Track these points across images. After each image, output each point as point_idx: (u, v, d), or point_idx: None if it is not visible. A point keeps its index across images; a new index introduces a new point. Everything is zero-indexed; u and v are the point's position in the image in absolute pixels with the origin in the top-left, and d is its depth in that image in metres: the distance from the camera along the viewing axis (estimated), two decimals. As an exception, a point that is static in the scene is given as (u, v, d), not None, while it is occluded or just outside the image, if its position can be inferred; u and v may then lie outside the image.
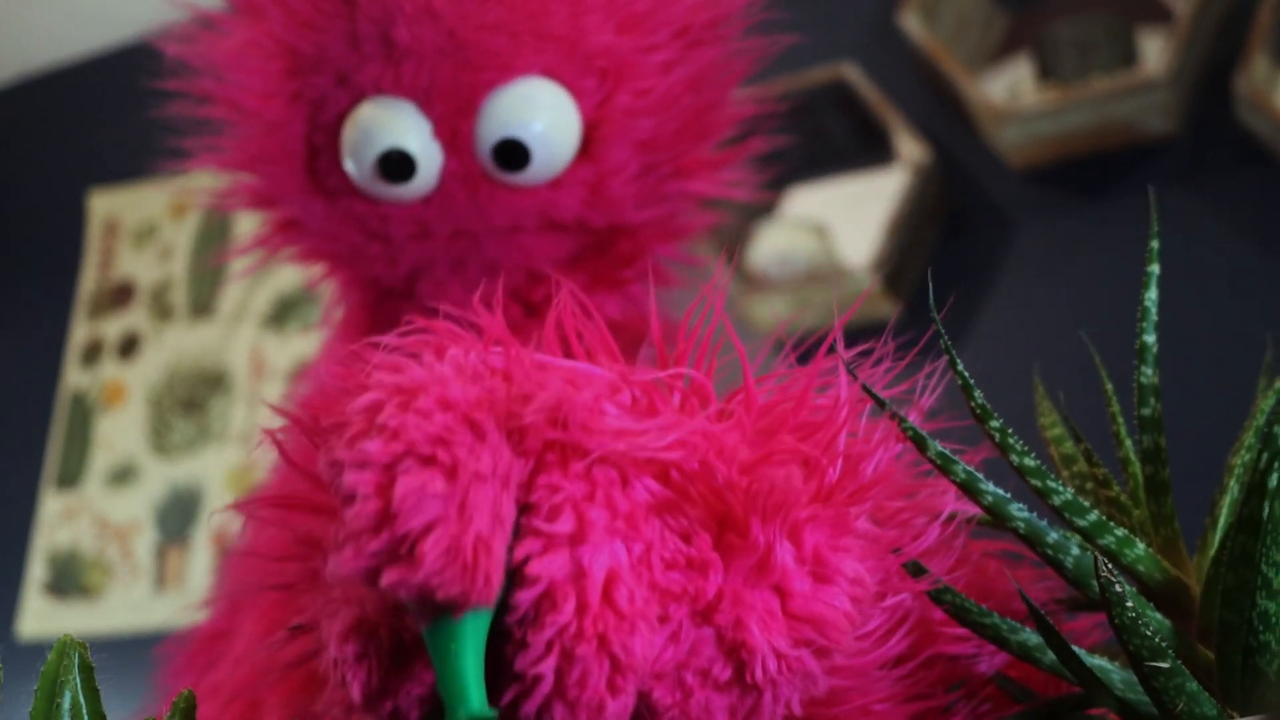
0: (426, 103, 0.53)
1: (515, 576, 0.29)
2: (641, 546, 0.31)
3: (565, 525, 0.30)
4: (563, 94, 0.53)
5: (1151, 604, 0.34)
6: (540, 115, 0.53)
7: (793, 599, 0.32)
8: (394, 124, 0.53)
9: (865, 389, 0.36)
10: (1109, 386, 0.40)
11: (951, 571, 0.39)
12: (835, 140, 1.56)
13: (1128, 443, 0.39)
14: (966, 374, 0.35)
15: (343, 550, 0.29)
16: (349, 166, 0.54)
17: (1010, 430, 0.35)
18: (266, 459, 0.52)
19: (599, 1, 0.53)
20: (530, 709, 0.30)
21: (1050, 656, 0.35)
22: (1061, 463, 0.40)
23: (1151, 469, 0.36)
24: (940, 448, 0.34)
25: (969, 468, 0.34)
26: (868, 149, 1.54)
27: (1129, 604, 0.30)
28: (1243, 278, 1.35)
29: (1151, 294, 0.37)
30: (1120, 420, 0.39)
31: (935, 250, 1.50)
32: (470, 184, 0.54)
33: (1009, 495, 0.34)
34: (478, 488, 0.29)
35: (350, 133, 0.53)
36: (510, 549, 0.30)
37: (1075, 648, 0.33)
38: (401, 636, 0.31)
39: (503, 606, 0.29)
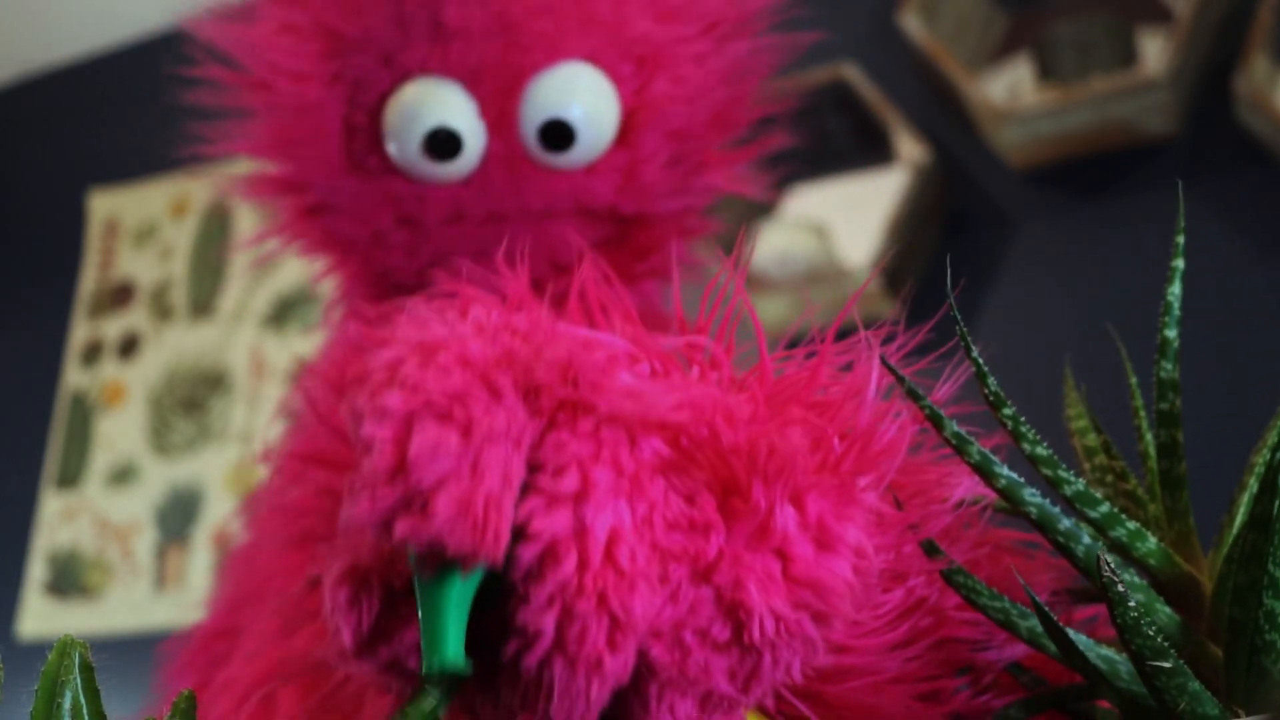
0: (474, 82, 0.53)
1: (519, 532, 0.30)
2: (645, 506, 0.31)
3: (570, 483, 0.30)
4: (604, 79, 0.54)
5: (1162, 598, 0.34)
6: (584, 98, 0.54)
7: (794, 563, 0.33)
8: (442, 102, 0.53)
9: (885, 364, 0.36)
10: (1133, 380, 0.40)
11: (967, 555, 0.40)
12: (835, 140, 1.56)
13: (1148, 437, 0.39)
14: (980, 360, 0.35)
15: (358, 499, 0.30)
16: (392, 145, 0.54)
17: (1023, 419, 0.35)
18: (270, 453, 0.53)
19: None
20: (531, 663, 0.30)
21: None
22: (1084, 455, 0.40)
23: (1167, 464, 0.36)
24: (956, 428, 0.34)
25: (984, 449, 0.34)
26: (868, 149, 1.54)
27: (1131, 603, 0.30)
28: (1243, 278, 1.35)
29: (1175, 289, 0.37)
30: (1143, 414, 0.39)
31: (935, 250, 1.50)
32: (512, 165, 0.55)
33: (1023, 480, 0.34)
34: (491, 447, 0.30)
35: (396, 111, 0.54)
36: (516, 506, 0.30)
37: (1081, 637, 0.33)
38: (393, 584, 0.31)
39: (507, 562, 0.30)
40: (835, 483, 0.34)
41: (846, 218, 1.51)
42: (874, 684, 0.39)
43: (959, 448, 0.34)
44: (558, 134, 0.54)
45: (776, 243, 1.47)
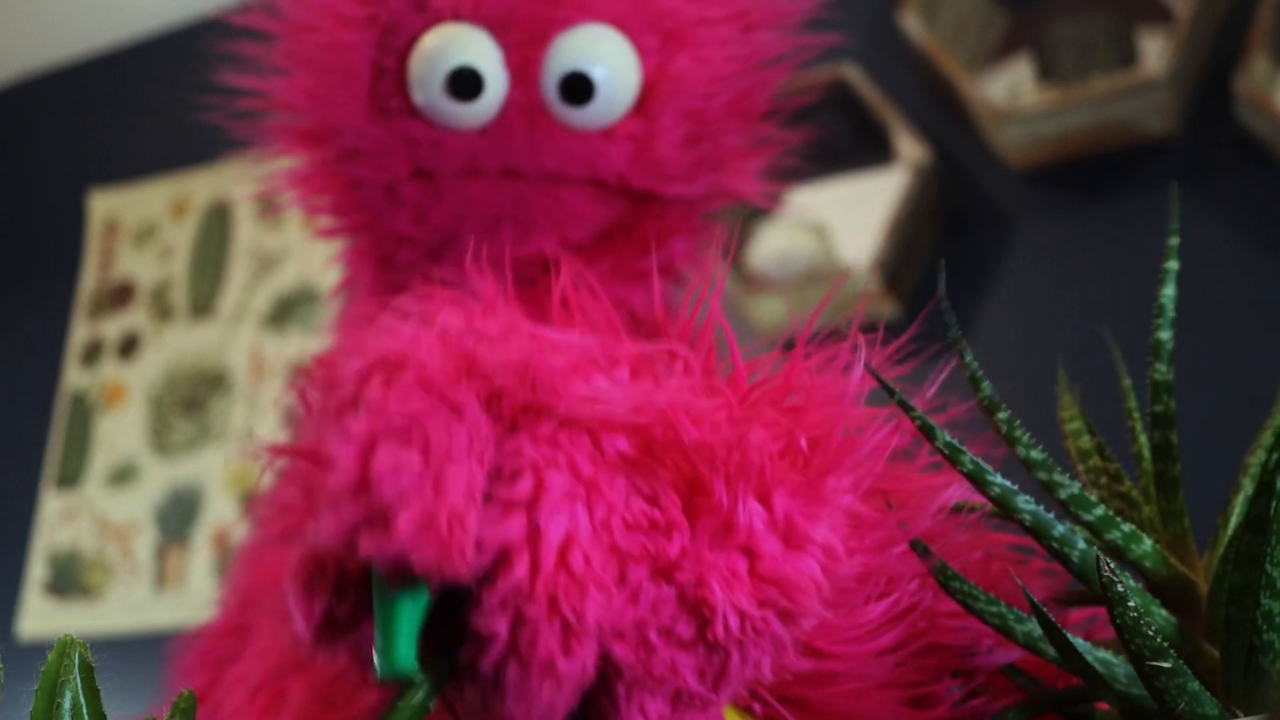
0: (502, 30, 0.55)
1: (478, 544, 0.31)
2: (604, 510, 0.32)
3: (524, 489, 0.31)
4: (628, 45, 0.56)
5: (1158, 600, 0.34)
6: (608, 57, 0.55)
7: (760, 561, 0.33)
8: (469, 44, 0.55)
9: (870, 371, 0.36)
10: (1126, 382, 0.40)
11: (959, 561, 0.39)
12: (835, 140, 1.56)
13: (1142, 439, 0.39)
14: (975, 364, 0.35)
15: (324, 515, 0.30)
16: (415, 86, 0.55)
17: (1018, 423, 0.35)
18: (263, 456, 0.54)
19: None
20: (486, 666, 0.31)
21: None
22: (1078, 457, 0.40)
23: (1162, 465, 0.36)
24: (949, 438, 0.34)
25: (976, 458, 0.34)
26: (868, 149, 1.54)
27: (1130, 603, 0.30)
28: (1242, 278, 1.35)
29: (1169, 290, 0.37)
30: (1137, 416, 0.39)
31: (935, 250, 1.50)
32: (530, 116, 0.56)
33: (1016, 487, 0.34)
34: (452, 465, 0.30)
35: (424, 50, 0.55)
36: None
37: (1078, 640, 0.33)
38: (350, 575, 0.32)
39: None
40: (803, 482, 0.34)
41: (846, 218, 1.51)
42: (861, 689, 0.39)
43: (951, 457, 0.34)
44: (579, 87, 0.55)
45: (776, 243, 1.47)
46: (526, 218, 0.57)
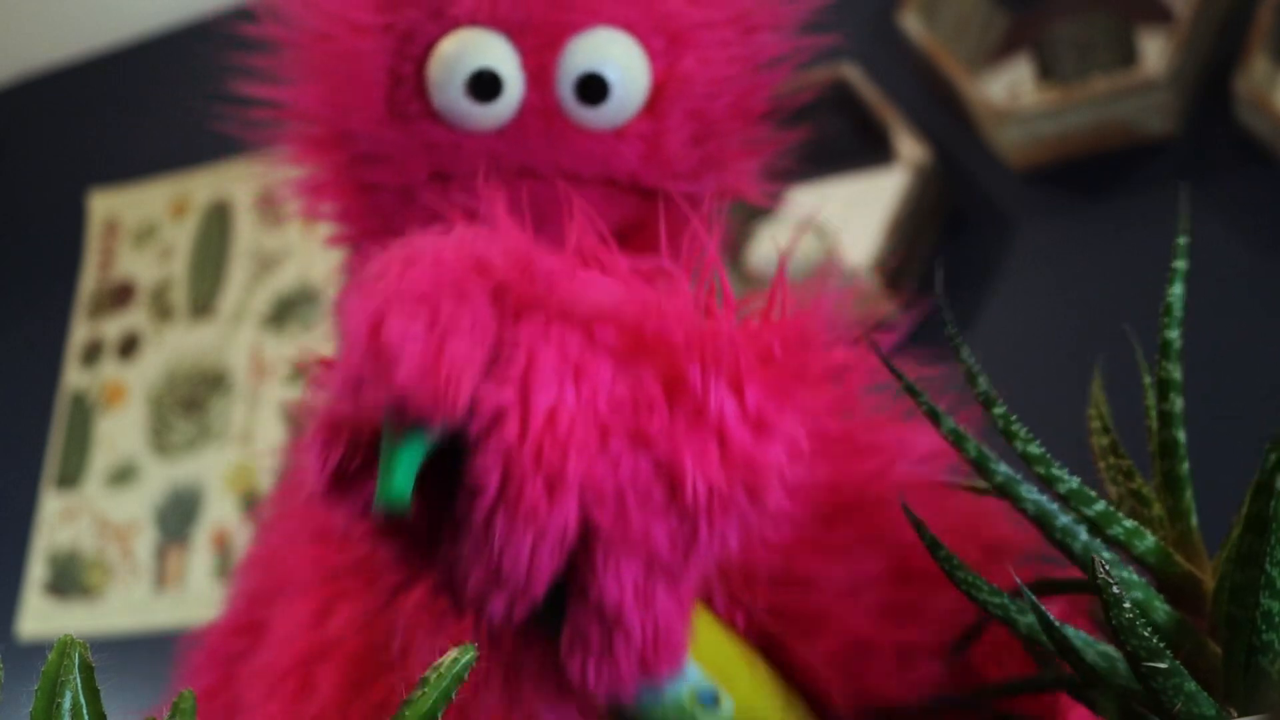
0: (518, 34, 0.57)
1: (474, 407, 0.36)
2: (589, 387, 0.36)
3: (518, 364, 0.36)
4: (638, 47, 0.58)
5: (1162, 596, 0.34)
6: (620, 58, 0.58)
7: (729, 444, 0.37)
8: (488, 48, 0.57)
9: (873, 347, 0.40)
10: (1147, 380, 0.40)
11: (931, 509, 0.42)
12: (835, 140, 1.56)
13: (1158, 437, 0.38)
14: (972, 360, 0.35)
15: (334, 373, 0.36)
16: (435, 89, 0.58)
17: (1014, 417, 0.35)
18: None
19: None
20: (478, 518, 0.35)
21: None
22: (1099, 454, 0.40)
23: (1169, 463, 0.36)
24: (954, 424, 0.34)
25: (980, 445, 0.34)
26: (868, 149, 1.54)
27: (1126, 604, 0.30)
28: (1242, 278, 1.35)
29: (1177, 290, 0.37)
30: (1154, 414, 0.39)
31: (935, 250, 1.50)
32: (547, 117, 0.58)
33: (1020, 476, 0.34)
34: (454, 337, 0.35)
35: (443, 54, 0.57)
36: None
37: (1080, 635, 0.33)
38: (362, 438, 0.37)
39: (466, 437, 0.36)
40: (775, 380, 0.39)
41: (846, 218, 1.51)
42: (841, 611, 0.44)
43: (955, 443, 0.34)
44: (593, 88, 0.57)
45: (776, 242, 1.47)
46: (541, 218, 0.58)
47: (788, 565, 0.46)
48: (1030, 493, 0.34)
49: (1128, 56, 1.43)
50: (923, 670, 0.45)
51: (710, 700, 0.41)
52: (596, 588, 0.38)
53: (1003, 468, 0.34)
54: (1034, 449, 0.34)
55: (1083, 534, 0.34)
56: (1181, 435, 0.36)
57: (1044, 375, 1.27)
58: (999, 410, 0.35)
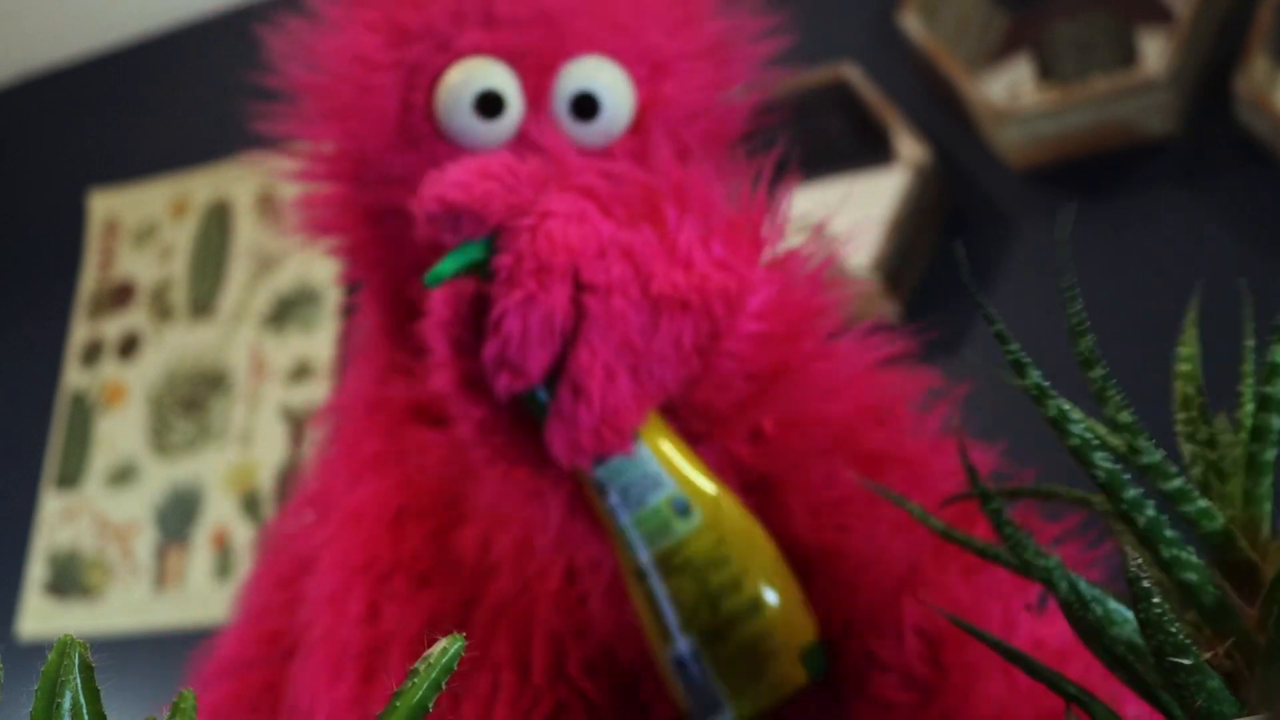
0: (518, 62, 0.64)
1: (504, 226, 0.53)
2: (592, 221, 0.52)
3: (541, 205, 0.52)
4: (623, 73, 0.65)
5: (1218, 576, 0.34)
6: (608, 80, 0.65)
7: (692, 267, 0.53)
8: (491, 73, 0.64)
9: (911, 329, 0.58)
10: (1249, 343, 0.39)
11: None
12: (835, 140, 1.56)
13: (1248, 407, 0.38)
14: (1001, 323, 0.34)
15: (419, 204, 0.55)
16: (443, 112, 0.65)
17: (1113, 381, 0.34)
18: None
19: (654, 8, 0.67)
20: (495, 305, 0.51)
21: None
22: (1181, 404, 0.39)
23: (1258, 446, 0.36)
24: (1039, 379, 0.34)
25: (1062, 404, 0.34)
26: (868, 149, 1.54)
27: (1155, 599, 0.30)
28: (1242, 277, 1.35)
29: None
30: (1249, 389, 0.38)
31: (935, 250, 1.50)
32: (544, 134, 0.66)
33: (1099, 442, 0.33)
34: (490, 180, 0.54)
35: (451, 80, 0.64)
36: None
37: (1112, 605, 0.33)
38: (479, 312, 0.52)
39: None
40: (739, 229, 0.56)
41: (846, 218, 1.51)
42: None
43: (1039, 399, 0.34)
44: (586, 105, 0.64)
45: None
46: None
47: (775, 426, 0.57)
48: (1105, 460, 0.33)
49: (1128, 56, 1.43)
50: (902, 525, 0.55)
51: (683, 509, 0.51)
52: (574, 360, 0.50)
53: (1080, 430, 0.33)
54: (1125, 416, 0.34)
55: (1149, 508, 0.33)
56: (1277, 422, 0.35)
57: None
58: (1097, 373, 0.34)
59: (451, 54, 0.64)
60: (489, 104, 0.63)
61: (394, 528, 0.61)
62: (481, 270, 0.51)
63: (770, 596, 0.51)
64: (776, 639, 0.50)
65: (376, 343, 0.70)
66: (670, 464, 0.52)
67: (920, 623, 0.52)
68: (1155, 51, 1.43)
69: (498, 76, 0.64)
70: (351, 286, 0.72)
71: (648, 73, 0.65)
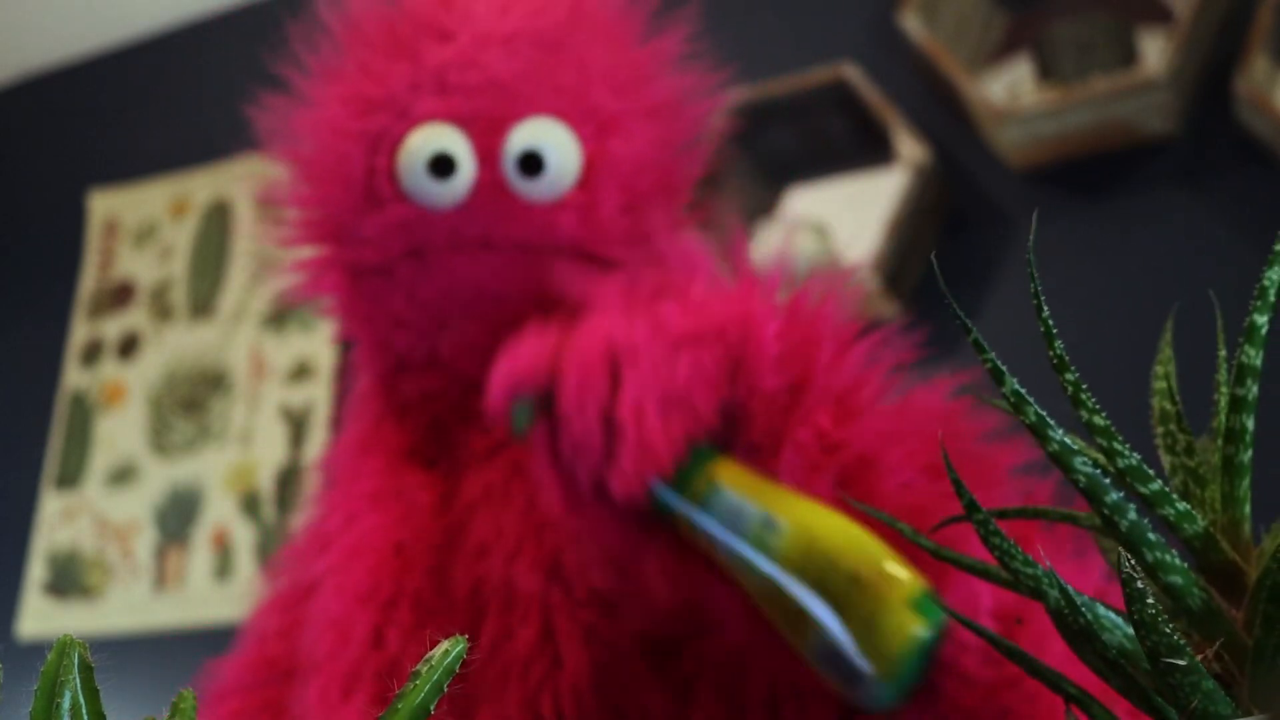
0: (470, 125, 0.70)
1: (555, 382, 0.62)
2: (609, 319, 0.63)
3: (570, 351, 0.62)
4: (568, 132, 0.70)
5: (1202, 580, 0.34)
6: (554, 139, 0.70)
7: (706, 311, 0.62)
8: (443, 137, 0.69)
9: (896, 345, 0.63)
10: (1222, 353, 0.39)
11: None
12: (835, 140, 1.56)
13: (1223, 417, 0.38)
14: (977, 333, 0.35)
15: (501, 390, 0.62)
16: (403, 174, 0.70)
17: (1085, 386, 0.34)
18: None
19: (599, 70, 0.71)
20: (564, 428, 0.60)
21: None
22: (1159, 418, 0.39)
23: (1232, 449, 0.36)
24: (1017, 386, 0.34)
25: (1041, 411, 0.34)
26: (868, 149, 1.54)
27: (1149, 599, 0.30)
28: (1243, 278, 1.35)
29: (1274, 274, 0.36)
30: (1224, 395, 0.38)
31: (935, 250, 1.50)
32: (495, 192, 0.70)
33: (1077, 447, 0.33)
34: (521, 353, 0.63)
35: (409, 145, 0.69)
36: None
37: (1111, 615, 0.33)
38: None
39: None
40: (749, 284, 0.66)
41: (846, 218, 1.51)
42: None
43: (1018, 406, 0.34)
44: (532, 162, 0.69)
45: (776, 242, 1.47)
46: (503, 288, 0.71)
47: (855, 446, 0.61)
48: (1084, 465, 0.33)
49: (1128, 56, 1.43)
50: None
51: (769, 524, 0.57)
52: (613, 409, 0.58)
53: (1059, 436, 0.33)
54: (1099, 420, 0.34)
55: (1131, 512, 0.33)
56: (1251, 423, 0.35)
57: (1044, 374, 1.26)
58: (1070, 377, 0.35)
59: (410, 120, 0.70)
60: (441, 165, 0.68)
61: (395, 560, 0.67)
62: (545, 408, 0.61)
63: (864, 569, 0.55)
64: (883, 596, 0.55)
65: (371, 390, 0.75)
66: (749, 491, 0.59)
67: (993, 606, 0.56)
68: (1155, 51, 1.43)
69: (449, 139, 0.69)
70: (346, 344, 0.79)
71: (594, 130, 0.70)
